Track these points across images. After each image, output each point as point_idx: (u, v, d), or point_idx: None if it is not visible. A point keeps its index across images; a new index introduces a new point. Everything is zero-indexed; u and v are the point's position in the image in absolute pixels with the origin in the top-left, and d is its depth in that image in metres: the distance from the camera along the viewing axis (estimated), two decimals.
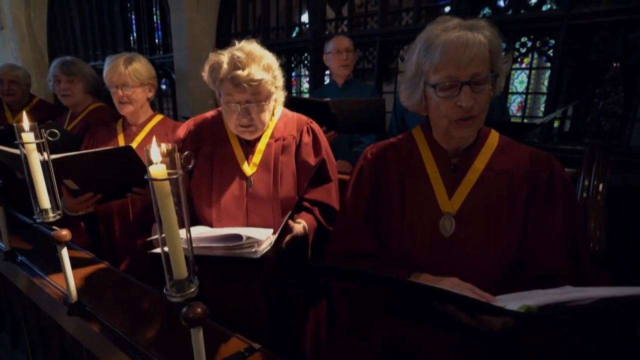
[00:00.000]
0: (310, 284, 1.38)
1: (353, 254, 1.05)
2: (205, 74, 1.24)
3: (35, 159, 1.00)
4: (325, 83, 2.96)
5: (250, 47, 1.16)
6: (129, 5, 4.77)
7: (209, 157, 1.33)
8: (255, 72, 1.14)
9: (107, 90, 1.71)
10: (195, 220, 1.34)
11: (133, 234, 1.65)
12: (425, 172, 1.01)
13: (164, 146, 0.66)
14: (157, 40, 4.61)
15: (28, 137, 0.98)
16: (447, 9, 2.85)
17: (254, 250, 1.02)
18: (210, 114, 1.41)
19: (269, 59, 1.20)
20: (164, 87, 4.84)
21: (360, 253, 1.04)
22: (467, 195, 0.96)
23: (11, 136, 2.27)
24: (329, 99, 1.71)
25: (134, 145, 1.68)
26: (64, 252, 1.10)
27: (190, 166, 0.73)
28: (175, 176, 0.66)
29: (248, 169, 1.31)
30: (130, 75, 1.62)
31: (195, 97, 4.05)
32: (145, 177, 0.65)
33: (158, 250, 0.73)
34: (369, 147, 1.14)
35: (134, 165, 1.37)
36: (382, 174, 1.07)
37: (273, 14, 3.82)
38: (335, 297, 1.29)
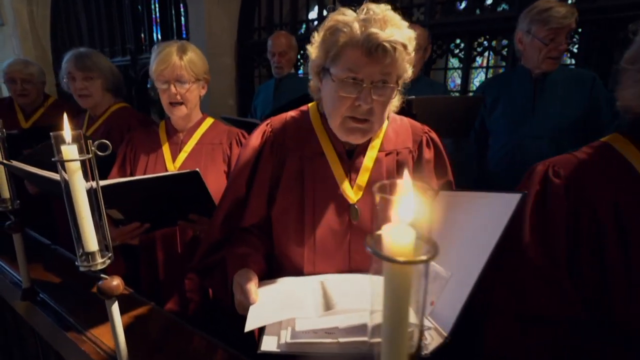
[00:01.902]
0: None
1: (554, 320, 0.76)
2: (313, 45, 0.93)
3: (79, 184, 0.71)
4: None
5: (385, 11, 0.85)
6: None
7: (298, 175, 1.00)
8: (397, 34, 0.83)
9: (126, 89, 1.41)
10: (276, 265, 1.04)
11: (180, 268, 1.35)
12: None
13: None
14: (173, 36, 4.30)
15: (70, 151, 0.69)
16: (463, 4, 2.64)
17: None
18: (290, 115, 1.08)
19: (410, 31, 0.88)
20: None
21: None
22: None
23: (25, 142, 1.99)
24: (413, 96, 1.42)
25: (183, 156, 1.38)
26: (115, 309, 0.81)
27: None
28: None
29: (351, 193, 0.98)
30: (186, 67, 1.29)
31: (214, 96, 3.75)
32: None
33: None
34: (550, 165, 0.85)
35: (196, 191, 1.08)
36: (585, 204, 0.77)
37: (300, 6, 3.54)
38: None
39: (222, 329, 1.41)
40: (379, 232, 0.31)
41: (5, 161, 1.02)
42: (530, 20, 1.61)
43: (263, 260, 1.02)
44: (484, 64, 3.32)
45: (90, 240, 0.74)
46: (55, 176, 0.87)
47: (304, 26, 3.58)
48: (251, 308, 0.82)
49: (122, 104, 1.83)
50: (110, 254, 0.77)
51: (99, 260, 0.75)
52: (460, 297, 0.72)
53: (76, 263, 0.75)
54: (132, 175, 1.39)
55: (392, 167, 1.02)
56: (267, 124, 1.07)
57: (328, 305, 0.78)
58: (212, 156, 1.39)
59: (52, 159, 0.70)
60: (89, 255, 0.75)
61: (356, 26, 0.85)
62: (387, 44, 0.82)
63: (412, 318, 0.32)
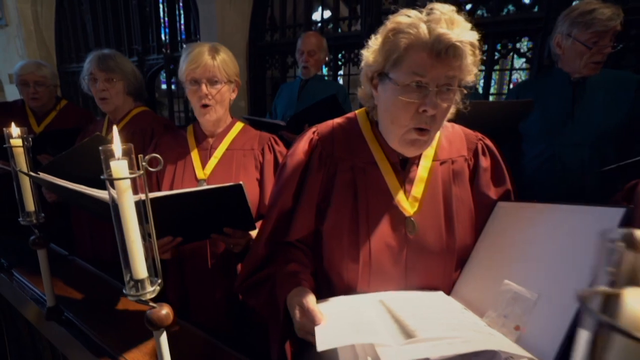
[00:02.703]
0: None
1: None
2: (370, 50, 0.87)
3: (129, 205, 0.63)
4: None
5: (451, 12, 0.79)
6: None
7: (350, 187, 0.93)
8: (467, 34, 0.77)
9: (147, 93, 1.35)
10: (323, 282, 0.97)
11: (210, 282, 1.27)
12: None
13: None
14: (181, 36, 4.22)
15: (120, 168, 0.61)
16: (468, 6, 2.66)
17: None
18: (336, 122, 1.01)
19: (475, 33, 0.81)
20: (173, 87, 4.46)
21: None
22: None
23: (38, 147, 1.91)
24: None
25: (214, 162, 1.30)
26: (163, 340, 0.73)
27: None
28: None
29: (407, 205, 0.92)
30: (218, 67, 1.23)
31: None
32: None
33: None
34: None
35: (236, 204, 1.01)
36: None
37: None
38: None
39: (251, 345, 1.33)
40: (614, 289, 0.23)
41: (33, 174, 0.95)
42: (571, 23, 1.53)
43: (312, 278, 0.96)
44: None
45: (140, 266, 0.67)
46: (100, 194, 0.79)
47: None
48: (318, 328, 0.75)
49: (143, 107, 1.76)
50: (159, 281, 0.70)
51: (149, 288, 0.67)
52: (560, 323, 0.65)
53: (124, 291, 0.68)
54: (158, 182, 1.32)
55: (448, 177, 0.95)
56: (313, 132, 1.00)
57: (405, 331, 0.71)
58: (243, 163, 1.31)
59: (101, 177, 0.62)
60: (138, 283, 0.67)
61: (423, 27, 0.78)
62: (458, 45, 0.76)
63: None
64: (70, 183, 0.85)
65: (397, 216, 0.91)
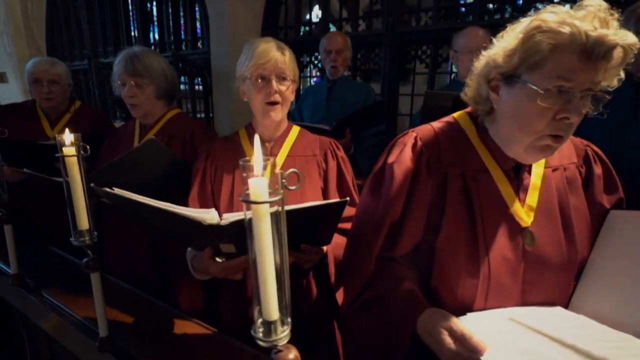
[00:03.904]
0: None
1: None
2: (498, 47, 0.78)
3: (267, 232, 0.51)
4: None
5: (604, 9, 0.70)
6: None
7: (463, 196, 0.86)
8: (629, 36, 0.69)
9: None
10: (429, 299, 0.87)
11: None
12: None
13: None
14: (186, 36, 4.04)
15: (261, 188, 0.49)
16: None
17: None
18: (437, 127, 0.93)
19: (632, 35, 0.74)
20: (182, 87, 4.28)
21: None
22: None
23: (49, 156, 1.74)
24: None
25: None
26: None
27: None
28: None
29: (524, 215, 0.85)
30: (288, 63, 1.14)
31: (237, 99, 3.52)
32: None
33: None
34: None
35: (328, 219, 0.90)
36: None
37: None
38: None
39: None
40: None
41: (110, 190, 0.81)
42: (638, 20, 1.48)
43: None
44: None
45: (273, 307, 0.55)
46: (234, 217, 0.67)
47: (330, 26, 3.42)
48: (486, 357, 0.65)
49: (177, 110, 1.62)
50: (289, 319, 0.58)
51: (281, 333, 0.56)
52: None
53: (252, 333, 0.56)
54: (213, 194, 1.19)
55: (562, 185, 0.90)
56: (416, 137, 0.91)
57: (592, 357, 0.63)
58: (307, 171, 1.20)
59: (241, 199, 0.50)
60: (271, 325, 0.55)
61: (578, 26, 0.69)
62: (625, 47, 0.68)
63: None
64: (161, 202, 0.72)
65: (513, 227, 0.86)
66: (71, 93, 2.03)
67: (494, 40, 0.83)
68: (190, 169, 1.24)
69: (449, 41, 2.78)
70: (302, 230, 0.94)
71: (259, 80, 1.12)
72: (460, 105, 1.08)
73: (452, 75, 3.22)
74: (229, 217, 0.84)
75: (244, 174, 0.50)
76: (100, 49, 4.80)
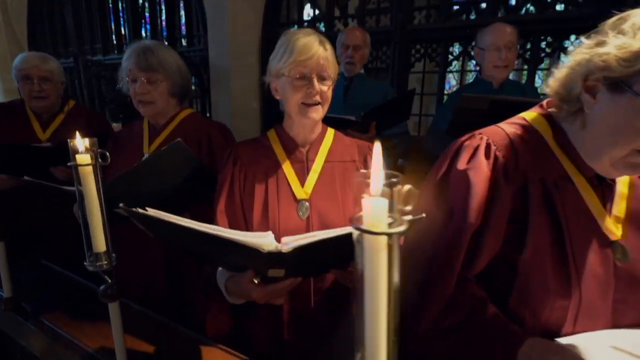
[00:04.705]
0: None
1: None
2: (624, 47, 0.65)
3: (381, 271, 0.39)
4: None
5: None
6: None
7: (545, 206, 0.76)
8: None
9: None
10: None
11: (312, 324, 1.03)
12: None
13: None
14: (180, 33, 3.85)
15: (380, 211, 0.37)
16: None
17: None
18: (509, 130, 0.81)
19: None
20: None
21: None
22: None
23: (52, 159, 1.56)
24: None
25: (314, 178, 1.04)
26: None
27: None
28: None
29: (614, 227, 0.76)
30: (331, 60, 1.01)
31: (237, 99, 3.37)
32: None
33: None
34: None
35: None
36: None
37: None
38: None
39: None
40: None
41: (144, 211, 0.67)
42: None
43: None
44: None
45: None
46: (296, 241, 0.54)
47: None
48: None
49: (190, 109, 1.47)
50: None
51: None
52: None
53: None
54: (242, 204, 1.05)
55: None
56: (488, 141, 0.79)
57: None
58: (346, 177, 1.08)
59: (353, 226, 0.37)
60: None
61: None
62: None
63: None
64: (209, 226, 0.59)
65: (601, 241, 0.76)
66: (64, 92, 1.85)
67: (583, 39, 0.73)
68: (212, 177, 1.10)
69: (460, 39, 2.74)
70: (349, 247, 0.82)
71: (297, 79, 0.99)
72: (497, 109, 0.97)
73: (469, 75, 3.13)
74: (290, 242, 0.71)
75: (362, 195, 0.37)
76: (88, 46, 4.55)
